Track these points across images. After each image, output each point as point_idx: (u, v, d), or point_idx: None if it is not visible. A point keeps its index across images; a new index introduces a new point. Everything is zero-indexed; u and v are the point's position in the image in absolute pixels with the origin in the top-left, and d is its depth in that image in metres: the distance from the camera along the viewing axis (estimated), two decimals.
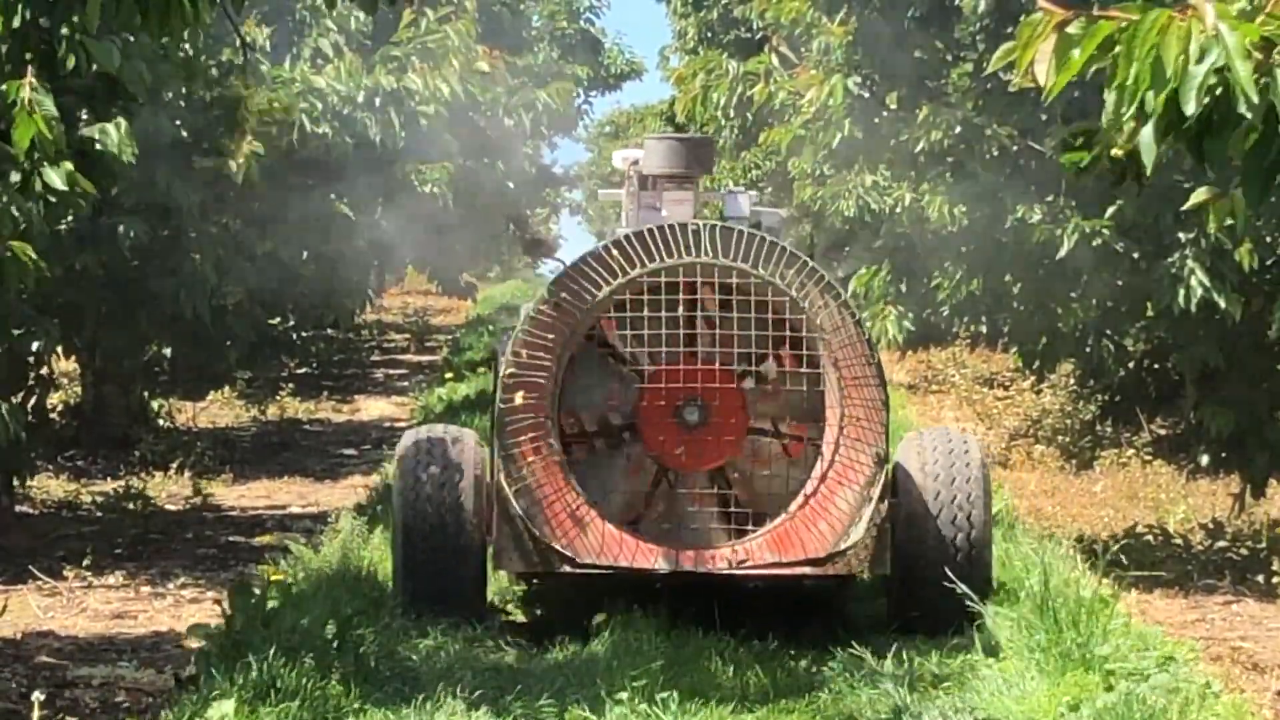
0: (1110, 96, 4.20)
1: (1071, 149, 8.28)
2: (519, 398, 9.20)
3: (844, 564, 9.18)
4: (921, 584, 9.35)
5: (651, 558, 9.15)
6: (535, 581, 10.38)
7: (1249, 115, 4.04)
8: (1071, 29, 4.23)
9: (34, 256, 7.58)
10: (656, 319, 9.30)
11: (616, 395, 9.46)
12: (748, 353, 9.36)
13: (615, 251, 9.31)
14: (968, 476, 9.48)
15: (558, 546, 9.10)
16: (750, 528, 9.30)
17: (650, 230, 9.36)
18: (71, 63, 5.93)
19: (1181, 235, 10.32)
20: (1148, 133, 4.19)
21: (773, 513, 9.33)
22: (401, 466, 9.59)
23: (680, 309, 9.35)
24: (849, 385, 9.19)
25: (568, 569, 9.18)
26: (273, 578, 8.85)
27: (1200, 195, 5.79)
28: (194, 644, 8.69)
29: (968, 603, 8.88)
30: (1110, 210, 10.74)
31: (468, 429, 10.16)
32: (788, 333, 9.35)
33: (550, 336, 9.24)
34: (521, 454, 9.14)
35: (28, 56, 6.80)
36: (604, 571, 9.17)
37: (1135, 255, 10.95)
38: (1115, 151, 8.61)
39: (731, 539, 9.29)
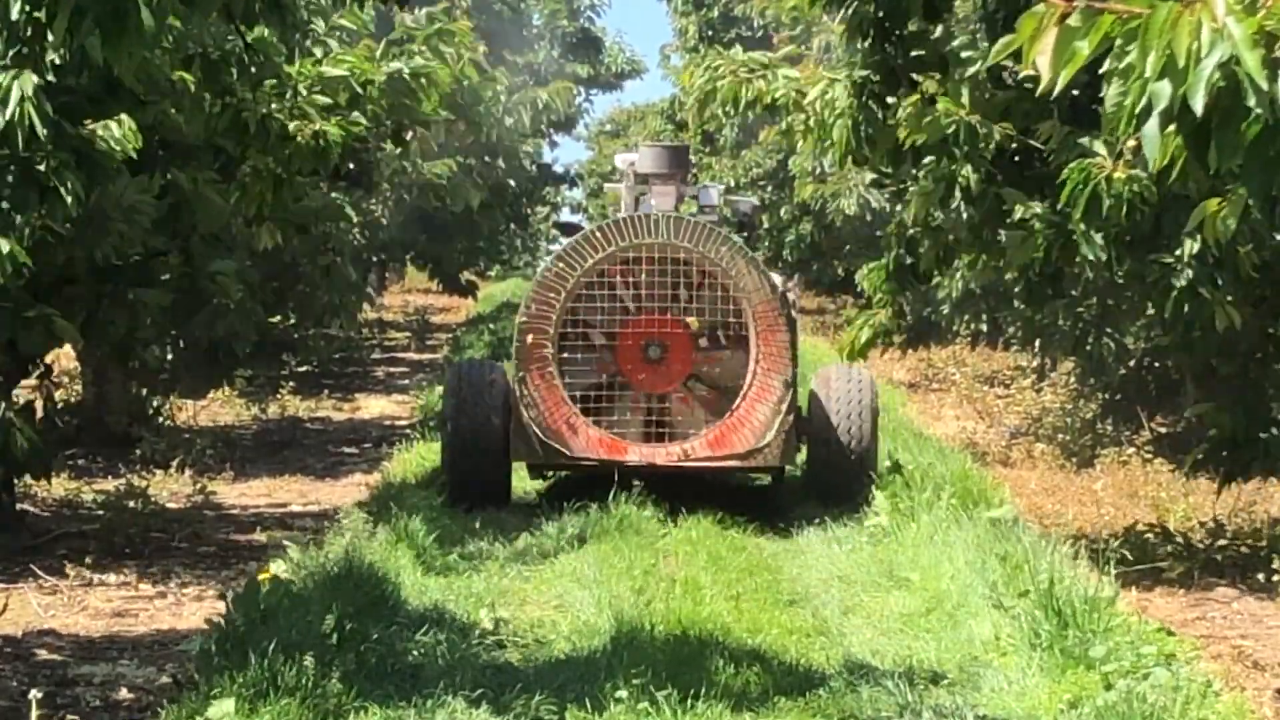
0: (1113, 86, 4.18)
1: (1072, 187, 8.29)
2: (530, 338, 12.75)
3: (761, 458, 12.89)
4: (827, 470, 13.22)
5: (623, 453, 12.76)
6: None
7: (1258, 108, 4.01)
8: (1072, 20, 4.20)
9: (19, 252, 7.54)
10: (628, 282, 12.93)
11: (600, 336, 12.97)
12: (692, 306, 12.95)
13: (600, 234, 12.89)
14: (860, 398, 13.14)
15: (556, 445, 12.74)
16: (694, 432, 12.91)
17: (625, 219, 13.01)
18: (61, 54, 5.89)
19: (1185, 241, 10.26)
20: (1153, 124, 4.17)
21: (710, 420, 12.92)
22: (449, 388, 13.17)
23: (644, 275, 12.89)
24: (765, 331, 12.77)
25: (564, 460, 12.90)
26: (261, 576, 8.80)
27: (1202, 210, 5.78)
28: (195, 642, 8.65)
29: (860, 481, 12.73)
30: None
31: (498, 363, 14.03)
32: (720, 292, 12.89)
33: (553, 294, 12.77)
34: (531, 379, 12.74)
35: (23, 52, 6.77)
36: (589, 462, 12.78)
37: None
38: (1118, 175, 8.63)
39: (681, 440, 12.88)
